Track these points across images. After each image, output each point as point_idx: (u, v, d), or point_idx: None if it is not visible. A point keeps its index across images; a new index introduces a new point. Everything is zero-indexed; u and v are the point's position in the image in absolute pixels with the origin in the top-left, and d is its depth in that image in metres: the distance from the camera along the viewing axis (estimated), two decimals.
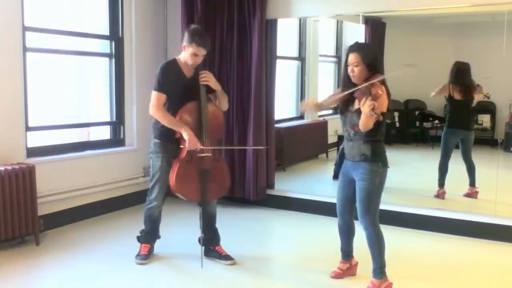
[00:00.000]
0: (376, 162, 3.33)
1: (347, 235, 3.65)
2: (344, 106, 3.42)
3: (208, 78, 3.80)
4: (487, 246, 4.45)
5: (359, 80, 3.30)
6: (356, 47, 3.34)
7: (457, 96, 5.44)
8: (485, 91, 5.56)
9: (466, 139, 5.54)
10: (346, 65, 3.37)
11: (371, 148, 3.32)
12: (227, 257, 3.96)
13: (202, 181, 3.81)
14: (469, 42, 6.16)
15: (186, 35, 3.72)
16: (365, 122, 3.17)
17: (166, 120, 3.73)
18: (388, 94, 3.33)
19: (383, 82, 3.30)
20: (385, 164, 3.38)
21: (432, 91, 5.74)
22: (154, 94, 3.74)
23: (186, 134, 3.67)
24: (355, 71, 3.30)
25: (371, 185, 3.34)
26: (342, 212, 3.61)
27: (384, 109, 3.29)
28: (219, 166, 3.96)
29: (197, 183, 3.80)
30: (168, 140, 3.82)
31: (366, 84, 3.21)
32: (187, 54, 3.72)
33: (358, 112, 3.25)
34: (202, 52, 3.71)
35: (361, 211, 3.39)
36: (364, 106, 3.11)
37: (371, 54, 3.34)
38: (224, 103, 3.97)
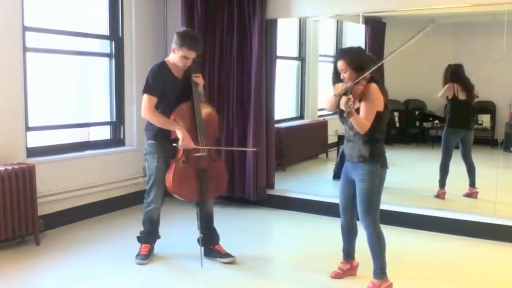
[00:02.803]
0: (375, 162, 3.33)
1: (348, 235, 3.65)
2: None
3: (201, 79, 3.85)
4: (487, 246, 4.44)
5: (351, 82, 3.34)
6: (341, 54, 3.39)
7: (461, 96, 5.45)
8: (479, 94, 5.60)
9: (466, 139, 5.54)
10: (336, 71, 3.41)
11: (369, 149, 3.32)
12: (226, 255, 3.97)
13: (200, 180, 3.81)
14: (469, 42, 6.16)
15: (176, 38, 3.72)
16: (354, 123, 3.22)
17: (158, 121, 3.75)
18: (384, 92, 3.33)
19: (375, 81, 3.31)
20: (384, 165, 3.38)
21: (432, 90, 5.73)
22: (145, 96, 3.75)
23: (179, 132, 3.68)
24: (345, 76, 3.35)
25: (370, 186, 3.34)
26: (344, 212, 3.61)
27: (379, 108, 3.29)
28: (216, 166, 3.96)
29: (194, 183, 3.81)
30: (164, 141, 3.82)
31: (351, 83, 3.27)
32: (177, 57, 3.73)
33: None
34: (192, 55, 3.72)
35: (362, 211, 3.40)
36: (341, 102, 3.20)
37: (356, 57, 3.34)
38: None
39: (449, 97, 5.53)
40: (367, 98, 3.26)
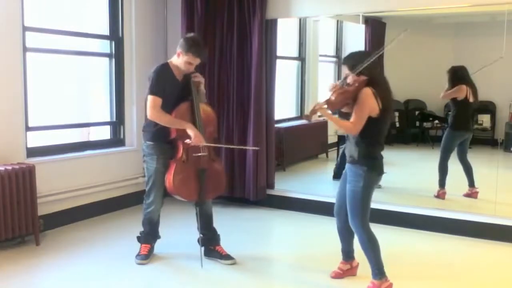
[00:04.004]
0: (361, 165, 3.33)
1: (345, 236, 3.65)
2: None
3: (201, 79, 3.87)
4: (487, 246, 4.44)
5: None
6: (344, 60, 3.45)
7: (471, 98, 5.42)
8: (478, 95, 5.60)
9: (466, 140, 5.54)
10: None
11: (358, 151, 3.33)
12: (227, 257, 3.97)
13: (200, 180, 3.81)
14: (469, 42, 6.16)
15: (183, 43, 3.74)
16: (334, 124, 3.32)
17: (166, 120, 3.74)
18: (383, 98, 3.29)
19: (373, 85, 3.29)
20: (372, 169, 3.35)
21: (432, 90, 5.72)
22: (150, 97, 3.75)
23: (190, 130, 3.70)
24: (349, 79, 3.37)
25: (355, 188, 3.35)
26: (338, 213, 3.62)
27: (371, 113, 3.26)
28: (215, 166, 3.97)
29: (194, 183, 3.82)
30: (163, 141, 3.83)
31: (342, 82, 3.33)
32: (181, 61, 3.75)
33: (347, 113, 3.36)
34: (197, 62, 3.76)
35: (349, 214, 3.42)
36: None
37: (353, 60, 3.37)
38: None
39: (459, 99, 5.44)
40: (357, 102, 3.27)
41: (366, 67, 3.26)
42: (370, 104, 3.26)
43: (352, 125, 3.26)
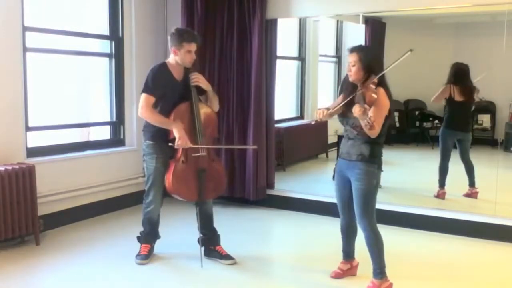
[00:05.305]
0: (373, 163, 3.33)
1: (348, 235, 3.65)
2: (347, 109, 3.37)
3: (198, 79, 3.83)
4: (487, 246, 4.44)
5: (355, 80, 3.33)
6: (356, 48, 3.36)
7: (457, 97, 5.43)
8: (480, 95, 5.61)
9: (463, 140, 5.54)
10: (344, 82, 3.45)
11: (370, 149, 3.31)
12: (227, 257, 3.97)
13: (200, 180, 3.81)
14: (469, 42, 6.16)
15: (172, 38, 3.75)
16: (368, 130, 3.16)
17: (154, 119, 3.75)
18: (390, 96, 3.32)
19: (382, 84, 3.30)
20: (380, 167, 3.38)
21: (433, 90, 5.72)
22: (143, 96, 3.76)
23: (176, 131, 3.68)
24: (352, 70, 3.32)
25: (367, 186, 3.33)
26: (343, 211, 3.60)
27: (386, 113, 3.27)
28: (215, 166, 3.97)
29: (194, 182, 3.82)
30: (162, 141, 3.82)
31: (362, 90, 3.24)
32: (180, 56, 3.75)
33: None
34: (194, 47, 3.76)
35: (358, 212, 3.39)
36: (355, 111, 3.11)
37: (369, 55, 3.32)
38: (215, 104, 3.98)
39: (446, 98, 5.51)
40: (377, 104, 3.23)
41: (378, 68, 3.27)
42: (387, 103, 3.26)
43: (378, 127, 3.21)
